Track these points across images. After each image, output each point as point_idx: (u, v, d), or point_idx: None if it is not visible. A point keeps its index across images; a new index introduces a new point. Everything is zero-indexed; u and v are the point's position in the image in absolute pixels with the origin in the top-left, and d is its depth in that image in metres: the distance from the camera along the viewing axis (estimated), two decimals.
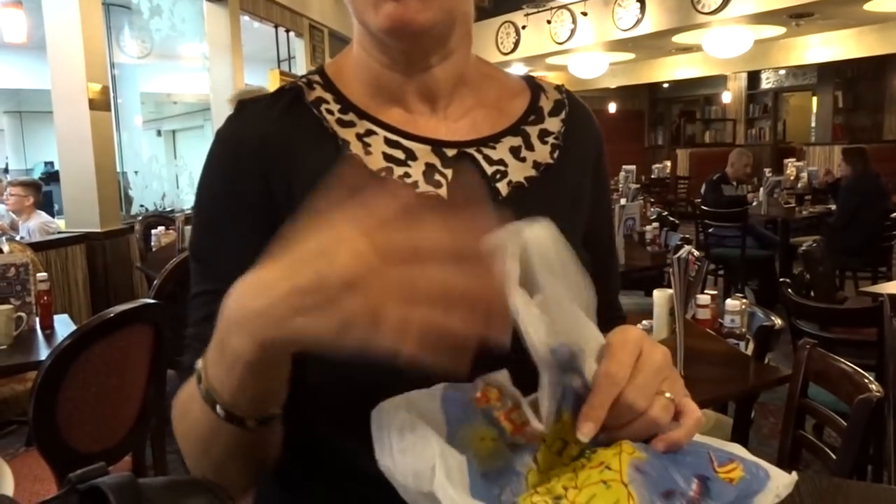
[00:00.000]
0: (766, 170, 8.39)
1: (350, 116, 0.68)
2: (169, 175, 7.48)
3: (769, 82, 13.14)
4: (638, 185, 5.80)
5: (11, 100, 13.58)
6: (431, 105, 0.70)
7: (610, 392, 0.52)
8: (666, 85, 13.97)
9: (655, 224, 3.95)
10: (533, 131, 0.73)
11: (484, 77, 0.75)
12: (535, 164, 0.71)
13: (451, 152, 0.68)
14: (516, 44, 9.98)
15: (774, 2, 7.09)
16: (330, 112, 0.68)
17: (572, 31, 9.11)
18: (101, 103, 4.22)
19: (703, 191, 6.06)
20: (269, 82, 6.73)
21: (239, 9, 6.15)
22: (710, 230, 5.72)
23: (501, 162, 0.69)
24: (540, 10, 8.97)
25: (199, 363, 0.53)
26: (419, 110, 0.70)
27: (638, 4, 8.28)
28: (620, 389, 0.52)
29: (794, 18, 7.80)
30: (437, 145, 0.68)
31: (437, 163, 0.67)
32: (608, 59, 10.16)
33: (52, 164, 12.59)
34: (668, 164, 12.34)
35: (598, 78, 10.76)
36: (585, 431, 0.51)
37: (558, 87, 0.78)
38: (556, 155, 0.72)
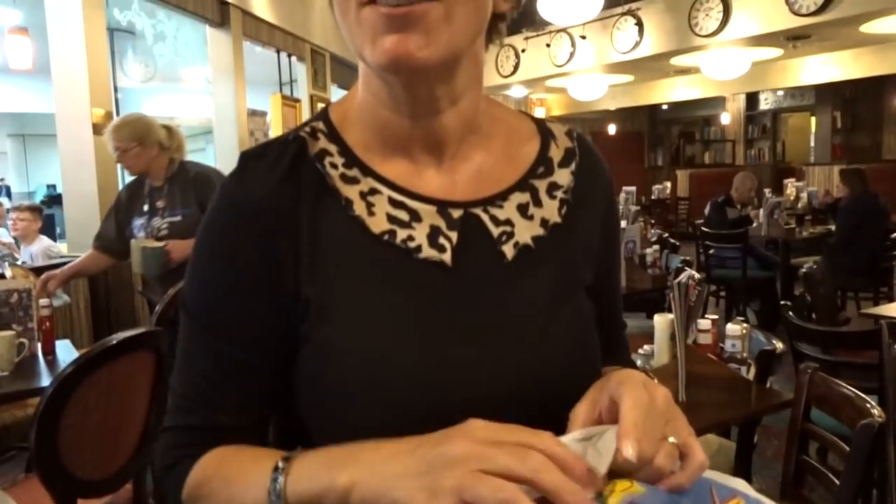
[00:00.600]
0: (766, 190, 8.43)
1: (354, 172, 0.66)
2: None
3: (768, 103, 13.22)
4: (638, 207, 5.81)
5: (15, 123, 13.68)
6: (438, 155, 0.67)
7: (637, 415, 0.53)
8: (665, 106, 14.06)
9: (656, 247, 3.95)
10: (541, 185, 0.70)
11: (493, 120, 0.71)
12: (543, 222, 0.68)
13: (456, 213, 0.66)
14: (516, 66, 10.06)
15: (771, 25, 7.15)
16: (334, 166, 0.66)
17: (571, 54, 9.18)
18: (104, 128, 4.24)
19: (706, 212, 6.08)
20: (271, 106, 6.79)
21: (242, 34, 6.21)
22: (711, 251, 5.73)
23: (508, 222, 0.67)
24: (539, 33, 9.06)
25: (281, 477, 0.56)
26: (425, 161, 0.67)
27: (636, 27, 8.36)
28: (645, 413, 0.53)
29: (792, 40, 7.86)
30: (442, 205, 0.66)
31: (442, 225, 0.65)
32: (607, 81, 10.23)
33: (54, 186, 12.65)
34: (669, 184, 12.39)
35: (597, 100, 10.83)
36: (630, 451, 0.51)
37: (569, 133, 0.75)
38: (564, 212, 0.70)
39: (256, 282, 0.63)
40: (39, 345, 2.52)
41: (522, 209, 0.68)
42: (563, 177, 0.71)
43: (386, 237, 0.63)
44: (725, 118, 13.54)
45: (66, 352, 2.53)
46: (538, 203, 0.69)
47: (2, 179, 14.97)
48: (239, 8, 6.10)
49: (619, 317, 0.83)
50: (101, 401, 1.76)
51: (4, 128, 14.75)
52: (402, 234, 0.64)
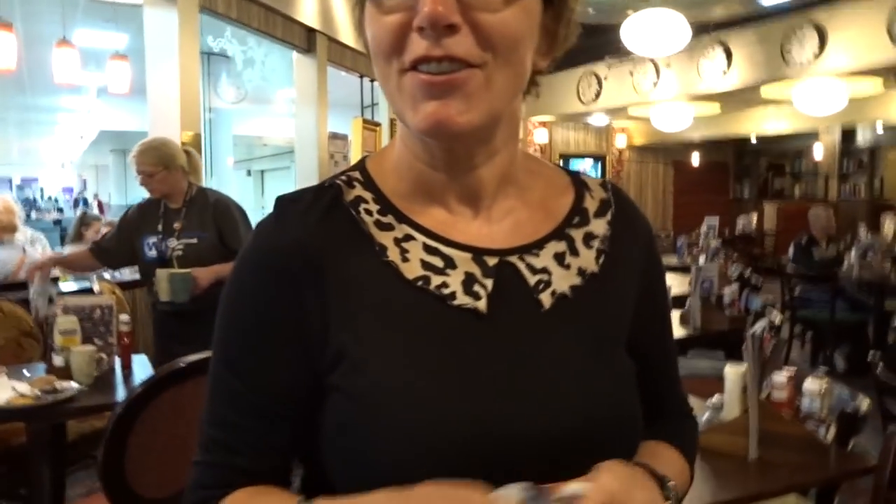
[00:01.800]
0: (861, 227, 7.98)
1: (389, 218, 0.66)
2: (255, 214, 7.76)
3: (865, 138, 12.57)
4: (719, 241, 5.60)
5: (117, 140, 14.53)
6: (474, 206, 0.68)
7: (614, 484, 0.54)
8: (753, 140, 13.60)
9: (735, 286, 3.79)
10: (577, 235, 0.70)
11: (530, 174, 0.72)
12: (580, 272, 0.68)
13: (491, 261, 0.66)
14: (598, 94, 9.96)
15: (870, 58, 6.81)
16: (368, 213, 0.66)
17: (655, 83, 9.02)
18: (193, 149, 4.45)
19: (790, 254, 5.79)
20: (352, 129, 6.95)
21: (326, 60, 6.40)
22: (797, 291, 5.46)
23: (545, 270, 0.67)
24: (623, 61, 8.94)
25: None
26: (461, 211, 0.68)
27: (724, 57, 8.13)
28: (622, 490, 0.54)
29: (894, 74, 7.46)
30: (477, 253, 0.66)
31: (477, 272, 0.65)
32: (692, 111, 9.98)
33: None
34: (755, 217, 11.93)
35: (681, 130, 10.58)
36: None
37: (604, 184, 0.76)
38: (601, 261, 0.70)
39: (284, 329, 0.64)
40: (118, 359, 2.64)
41: (559, 258, 0.68)
42: (600, 227, 0.71)
43: (420, 283, 0.63)
44: (818, 151, 12.93)
45: (143, 367, 2.63)
46: (575, 252, 0.69)
47: (95, 196, 15.90)
48: (325, 35, 6.30)
49: (670, 371, 0.81)
50: (167, 422, 1.81)
51: (108, 144, 15.71)
52: (436, 280, 0.63)
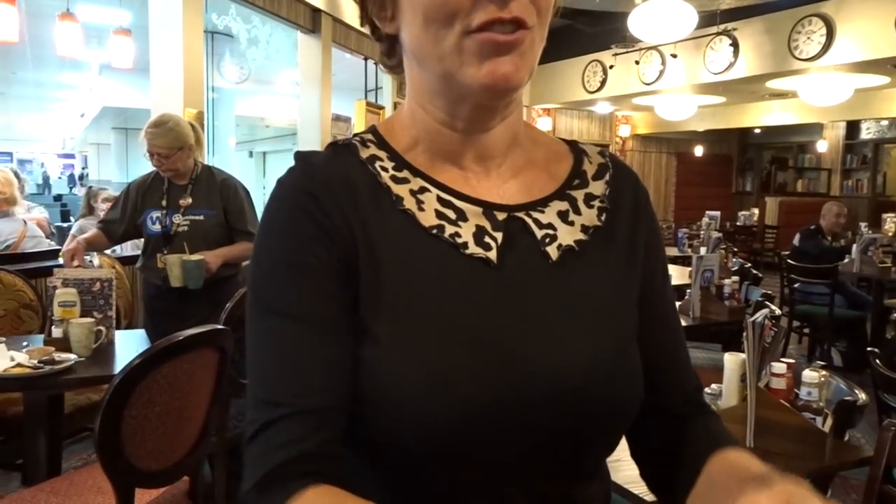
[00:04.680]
0: (862, 224, 7.98)
1: (404, 173, 0.69)
2: (256, 195, 7.75)
3: (870, 132, 12.53)
4: (720, 234, 5.60)
5: (119, 117, 14.49)
6: (485, 165, 0.71)
7: None
8: (757, 130, 13.55)
9: (735, 277, 3.79)
10: (579, 195, 0.73)
11: (531, 141, 0.76)
12: (584, 228, 0.71)
13: (501, 215, 0.69)
14: (603, 82, 9.91)
15: (877, 51, 6.78)
16: (384, 169, 0.69)
17: (661, 73, 8.97)
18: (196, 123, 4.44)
19: (796, 242, 5.78)
20: (355, 112, 6.92)
21: (331, 41, 6.36)
22: (797, 285, 5.46)
23: (550, 226, 0.70)
24: (629, 50, 8.89)
25: None
26: (473, 170, 0.71)
27: (731, 48, 8.09)
28: None
29: None
30: (488, 207, 0.69)
31: (488, 225, 0.68)
32: (697, 102, 9.95)
33: None
34: (756, 211, 11.91)
35: (685, 120, 10.55)
36: None
37: (601, 152, 0.79)
38: (603, 217, 0.72)
39: (322, 255, 0.64)
40: (116, 332, 2.64)
41: (563, 215, 0.71)
42: (598, 188, 0.75)
43: (434, 231, 0.66)
44: (822, 146, 12.90)
45: (141, 342, 2.63)
46: (577, 211, 0.72)
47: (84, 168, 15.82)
48: (330, 15, 6.25)
49: (672, 323, 0.79)
50: (164, 395, 1.81)
51: (109, 121, 15.64)
52: (449, 229, 0.66)
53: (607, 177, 0.76)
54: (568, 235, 0.70)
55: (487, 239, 0.67)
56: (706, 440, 0.70)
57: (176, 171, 2.93)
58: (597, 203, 0.73)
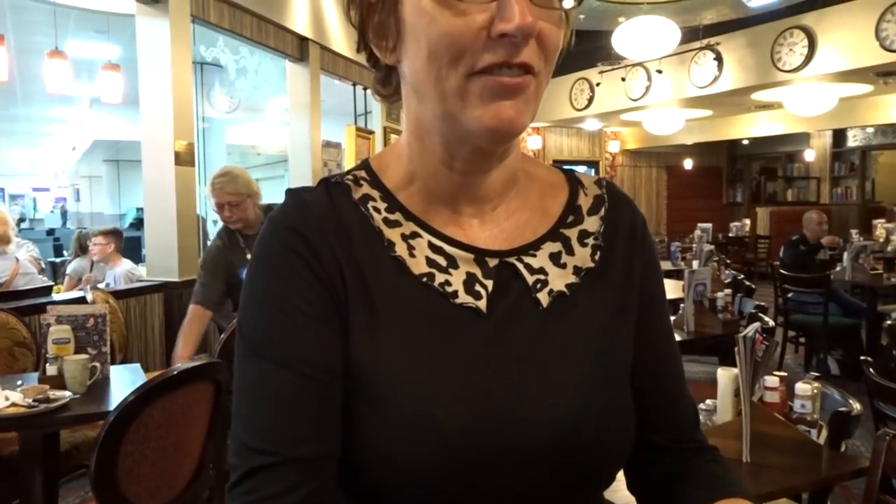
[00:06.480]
0: (853, 231, 8.03)
1: (396, 216, 0.68)
2: None
3: (856, 140, 12.65)
4: (712, 247, 5.62)
5: (110, 149, 14.51)
6: (480, 207, 0.70)
7: None
8: (745, 142, 13.66)
9: (728, 290, 3.80)
10: (572, 234, 0.72)
11: (526, 175, 0.74)
12: (576, 270, 0.70)
13: (492, 262, 0.68)
14: (590, 100, 10.01)
15: (860, 60, 6.87)
16: (377, 210, 0.68)
17: (647, 88, 9.08)
18: (186, 158, 4.45)
19: (781, 253, 5.84)
20: (345, 137, 6.96)
21: (319, 68, 6.41)
22: (790, 294, 5.48)
23: (542, 270, 0.68)
24: (615, 67, 9.00)
25: None
26: (467, 212, 0.70)
27: (715, 62, 8.19)
28: None
29: (882, 76, 7.52)
30: (479, 253, 0.68)
31: (478, 272, 0.67)
32: (684, 116, 10.04)
33: (142, 210, 13.30)
34: (748, 222, 11.98)
35: (673, 134, 10.63)
36: None
37: (598, 181, 0.77)
38: (597, 257, 0.71)
39: (313, 299, 0.63)
40: (111, 367, 2.63)
41: (555, 258, 0.70)
42: (593, 223, 0.73)
43: (425, 279, 0.65)
44: (810, 155, 13.02)
45: (136, 376, 2.62)
46: (570, 251, 0.71)
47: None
48: (318, 43, 6.31)
49: (670, 357, 0.77)
50: (159, 430, 1.81)
51: (101, 154, 15.67)
52: (440, 278, 0.66)
53: (602, 211, 0.74)
54: (559, 280, 0.68)
55: (478, 287, 0.66)
56: (706, 483, 0.70)
57: (246, 221, 2.90)
58: (591, 241, 0.72)
